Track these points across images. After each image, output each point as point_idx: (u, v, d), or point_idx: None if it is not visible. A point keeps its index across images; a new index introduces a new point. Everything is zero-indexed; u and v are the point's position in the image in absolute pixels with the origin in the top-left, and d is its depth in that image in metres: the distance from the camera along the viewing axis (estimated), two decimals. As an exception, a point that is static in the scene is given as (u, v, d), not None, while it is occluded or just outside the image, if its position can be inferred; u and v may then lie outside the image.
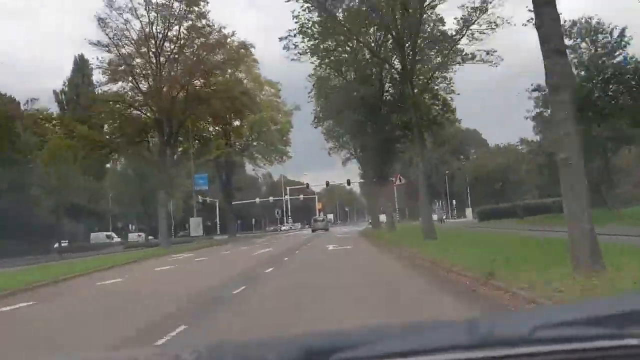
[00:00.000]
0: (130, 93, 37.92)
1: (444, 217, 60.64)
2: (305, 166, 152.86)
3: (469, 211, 71.05)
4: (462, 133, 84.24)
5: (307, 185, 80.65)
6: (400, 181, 24.56)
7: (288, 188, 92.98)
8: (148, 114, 37.11)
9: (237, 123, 52.18)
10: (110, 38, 35.67)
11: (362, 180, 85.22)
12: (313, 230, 61.69)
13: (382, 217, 58.46)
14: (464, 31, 22.00)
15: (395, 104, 33.47)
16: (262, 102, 52.44)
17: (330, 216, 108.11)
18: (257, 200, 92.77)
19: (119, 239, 63.65)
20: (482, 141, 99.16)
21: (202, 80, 37.96)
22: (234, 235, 53.96)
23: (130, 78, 36.32)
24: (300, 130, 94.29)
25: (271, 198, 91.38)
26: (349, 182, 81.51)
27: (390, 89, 34.06)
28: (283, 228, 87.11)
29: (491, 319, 1.33)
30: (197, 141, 50.96)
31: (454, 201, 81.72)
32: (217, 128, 50.69)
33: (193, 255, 27.06)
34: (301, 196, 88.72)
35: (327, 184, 78.48)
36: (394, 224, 34.02)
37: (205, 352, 1.29)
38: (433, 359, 1.03)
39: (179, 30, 36.72)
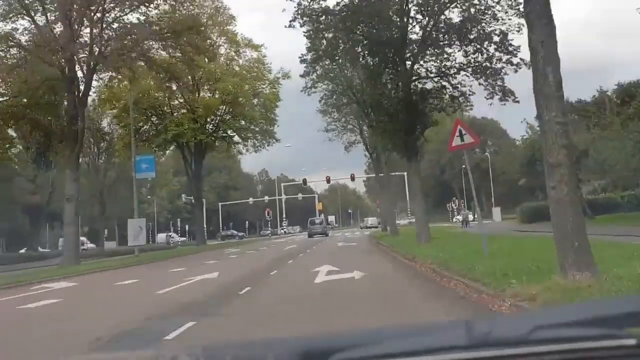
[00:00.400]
0: (36, 36, 25.60)
1: (470, 219, 47.77)
2: (305, 167, 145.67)
3: (496, 211, 60.18)
4: (478, 122, 72.17)
5: (304, 181, 68.71)
6: (463, 140, 11.43)
7: (282, 184, 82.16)
8: (56, 64, 24.54)
9: (207, 95, 40.03)
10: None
11: (368, 177, 74.42)
12: (309, 235, 50.45)
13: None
14: None
15: (425, 42, 21.17)
16: (241, 70, 40.37)
17: (332, 218, 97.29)
18: (251, 200, 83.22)
19: (92, 245, 52.26)
20: (501, 132, 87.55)
21: (134, 15, 25.38)
22: (204, 243, 41.30)
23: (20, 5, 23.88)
24: (299, 129, 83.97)
25: (266, 197, 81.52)
26: (352, 178, 71.64)
27: (418, 14, 21.46)
28: (280, 232, 75.39)
29: (489, 319, 1.25)
30: (153, 117, 39.19)
31: (474, 199, 69.93)
32: (180, 101, 38.51)
33: (69, 286, 14.50)
34: (299, 195, 78.76)
35: (328, 179, 66.78)
36: (428, 229, 21.07)
37: (204, 353, 1.29)
38: (431, 359, 1.01)
39: None
